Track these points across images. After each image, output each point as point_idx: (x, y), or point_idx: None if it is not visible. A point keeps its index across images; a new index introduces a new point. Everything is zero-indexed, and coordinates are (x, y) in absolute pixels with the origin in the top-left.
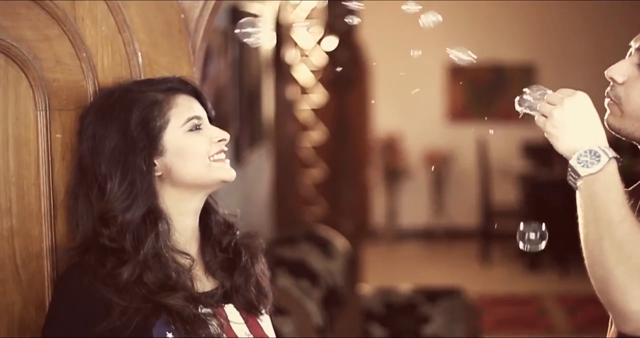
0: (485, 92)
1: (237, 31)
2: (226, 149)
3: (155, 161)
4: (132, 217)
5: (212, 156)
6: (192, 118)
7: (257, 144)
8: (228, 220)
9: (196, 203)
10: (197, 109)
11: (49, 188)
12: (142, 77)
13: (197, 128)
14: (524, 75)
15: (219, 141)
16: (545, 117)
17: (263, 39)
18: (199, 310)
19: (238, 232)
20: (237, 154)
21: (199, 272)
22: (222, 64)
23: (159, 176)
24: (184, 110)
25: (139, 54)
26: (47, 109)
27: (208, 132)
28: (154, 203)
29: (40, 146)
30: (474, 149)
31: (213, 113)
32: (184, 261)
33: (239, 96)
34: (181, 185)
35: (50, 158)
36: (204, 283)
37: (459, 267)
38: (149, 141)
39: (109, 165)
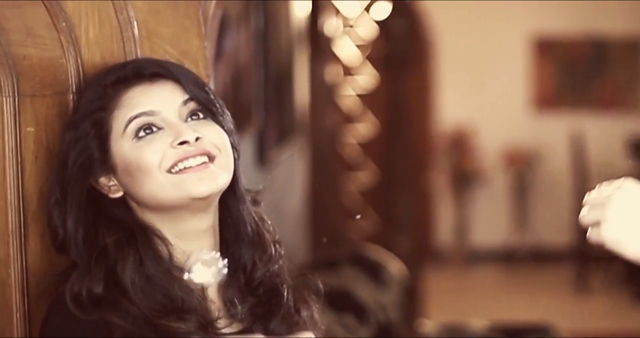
0: (581, 73)
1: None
2: (198, 150)
3: (115, 179)
4: (74, 233)
5: (172, 167)
6: (133, 118)
7: (287, 140)
8: (263, 242)
9: (190, 223)
10: (149, 102)
11: (18, 197)
12: (139, 54)
13: (149, 131)
14: (630, 52)
15: (180, 144)
16: (597, 225)
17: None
18: None
19: (274, 260)
20: (262, 153)
21: (215, 297)
22: (243, 37)
23: (125, 194)
24: (127, 109)
25: (135, 23)
26: (16, 94)
27: (169, 133)
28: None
29: (7, 143)
30: (566, 146)
31: (211, 103)
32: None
33: (264, 78)
34: (151, 208)
35: (19, 158)
36: (224, 320)
37: (548, 298)
38: (87, 160)
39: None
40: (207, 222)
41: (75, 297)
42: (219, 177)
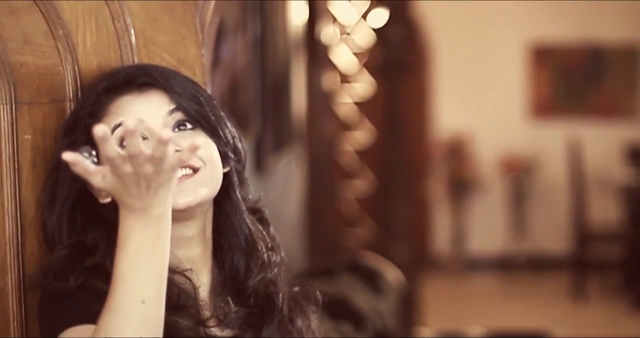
0: (579, 80)
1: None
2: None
3: None
4: (57, 231)
5: None
6: (117, 126)
7: (284, 147)
8: (257, 250)
9: (174, 231)
10: (135, 111)
11: (15, 205)
12: (136, 62)
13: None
14: (627, 60)
15: None
16: None
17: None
18: None
19: (268, 267)
20: (259, 161)
21: (206, 299)
22: (240, 44)
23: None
24: (114, 117)
25: (132, 31)
26: (13, 102)
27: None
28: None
29: (4, 151)
30: (563, 154)
31: (201, 114)
32: (183, 280)
33: (261, 85)
34: None
35: (17, 166)
36: (214, 320)
37: (545, 305)
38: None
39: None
40: (192, 229)
41: (48, 279)
42: (199, 190)
